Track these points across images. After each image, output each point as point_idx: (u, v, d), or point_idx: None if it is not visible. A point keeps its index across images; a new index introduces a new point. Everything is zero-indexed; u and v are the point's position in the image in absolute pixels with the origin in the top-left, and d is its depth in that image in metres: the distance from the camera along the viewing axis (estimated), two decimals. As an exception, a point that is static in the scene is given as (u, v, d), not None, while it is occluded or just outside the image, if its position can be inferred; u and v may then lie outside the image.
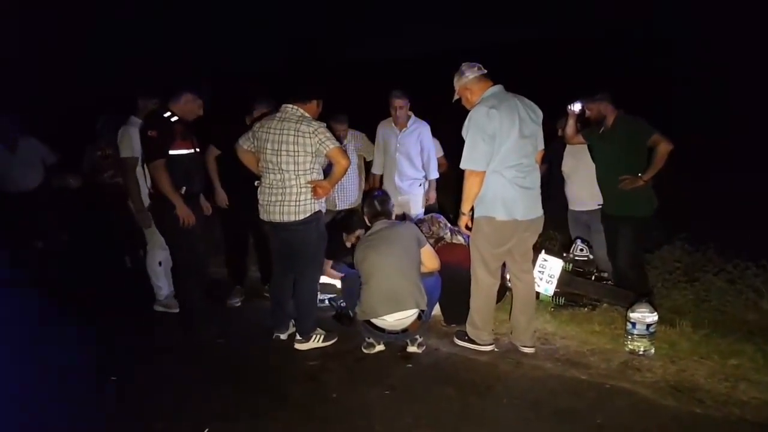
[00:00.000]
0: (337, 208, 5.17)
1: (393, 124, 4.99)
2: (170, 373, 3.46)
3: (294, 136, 3.44)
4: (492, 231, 3.41)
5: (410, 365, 3.51)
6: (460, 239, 4.15)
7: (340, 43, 10.89)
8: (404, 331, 3.53)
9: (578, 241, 4.36)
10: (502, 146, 3.27)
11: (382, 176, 5.21)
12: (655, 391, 3.10)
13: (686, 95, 9.07)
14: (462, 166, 3.32)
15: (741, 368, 3.33)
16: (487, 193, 3.35)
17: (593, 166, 4.31)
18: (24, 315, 4.59)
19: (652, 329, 3.51)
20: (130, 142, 4.12)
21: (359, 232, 4.18)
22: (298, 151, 3.45)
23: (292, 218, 3.51)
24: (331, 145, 3.44)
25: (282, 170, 3.49)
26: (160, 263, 4.45)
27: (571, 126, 4.37)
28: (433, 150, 5.05)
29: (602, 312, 4.20)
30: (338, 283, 4.40)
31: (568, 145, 4.72)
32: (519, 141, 3.31)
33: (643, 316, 3.50)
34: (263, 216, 3.62)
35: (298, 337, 3.76)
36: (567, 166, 4.77)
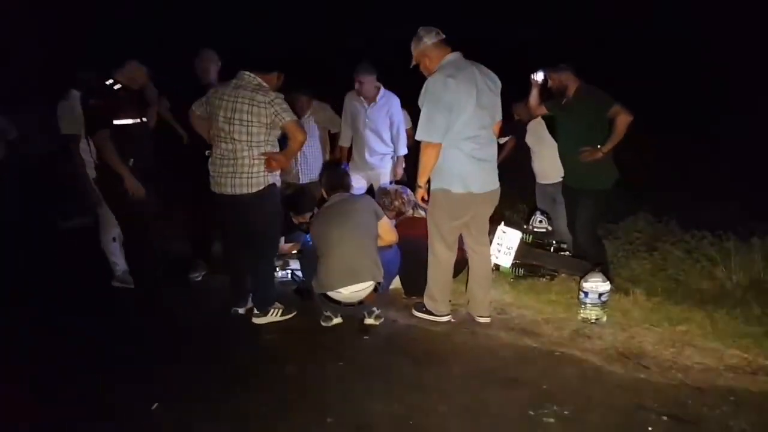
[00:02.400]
0: (301, 182, 5.11)
1: (361, 97, 4.91)
2: (123, 350, 3.42)
3: (249, 105, 3.37)
4: (448, 204, 3.40)
5: (367, 337, 3.53)
6: (422, 213, 4.15)
7: (341, 35, 10.56)
8: (360, 303, 3.54)
9: (537, 213, 4.39)
10: (459, 117, 3.24)
11: (350, 149, 5.15)
12: (603, 358, 3.17)
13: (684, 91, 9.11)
14: (417, 137, 3.29)
15: (688, 334, 3.42)
16: (443, 166, 3.33)
17: (552, 139, 4.33)
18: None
19: (604, 298, 3.57)
20: (72, 116, 3.99)
21: (308, 215, 4.14)
22: (252, 122, 3.38)
23: (245, 191, 3.46)
24: (288, 117, 3.38)
25: (234, 140, 3.42)
26: (114, 239, 4.37)
27: (534, 96, 4.35)
28: (403, 124, 4.98)
29: (560, 282, 4.27)
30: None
31: (531, 121, 4.72)
32: (477, 112, 3.28)
33: (596, 285, 3.55)
34: (214, 188, 3.56)
35: (255, 311, 3.75)
36: (530, 140, 4.78)
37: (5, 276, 4.52)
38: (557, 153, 4.35)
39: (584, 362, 3.13)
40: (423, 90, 3.27)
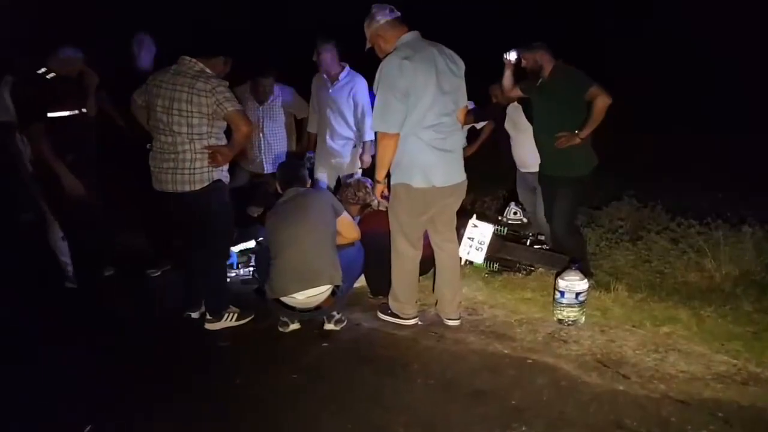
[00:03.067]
0: (266, 171, 4.80)
1: (325, 77, 4.56)
2: (57, 356, 3.15)
3: (188, 93, 3.05)
4: (410, 199, 3.11)
5: (326, 344, 3.26)
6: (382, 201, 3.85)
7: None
8: (317, 308, 3.26)
9: (512, 204, 4.12)
10: (417, 104, 2.94)
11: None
12: (578, 366, 2.91)
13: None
14: (373, 128, 2.99)
15: (673, 337, 3.17)
16: (402, 158, 3.03)
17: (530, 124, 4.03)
18: None
19: (581, 298, 3.31)
20: (6, 103, 3.66)
21: (258, 209, 3.83)
22: (192, 112, 3.06)
23: (187, 188, 3.15)
24: (230, 107, 3.06)
25: (174, 132, 3.10)
26: (63, 237, 4.06)
27: (507, 77, 4.04)
28: (369, 107, 4.64)
29: (537, 277, 4.01)
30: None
31: (509, 105, 4.42)
32: (438, 97, 2.98)
33: (572, 284, 3.29)
34: (155, 185, 3.25)
35: (207, 316, 3.47)
36: (508, 126, 4.49)
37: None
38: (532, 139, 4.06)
39: (558, 371, 2.87)
40: (377, 75, 2.95)
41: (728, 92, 8.39)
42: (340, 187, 4.13)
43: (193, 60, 3.12)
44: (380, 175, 3.09)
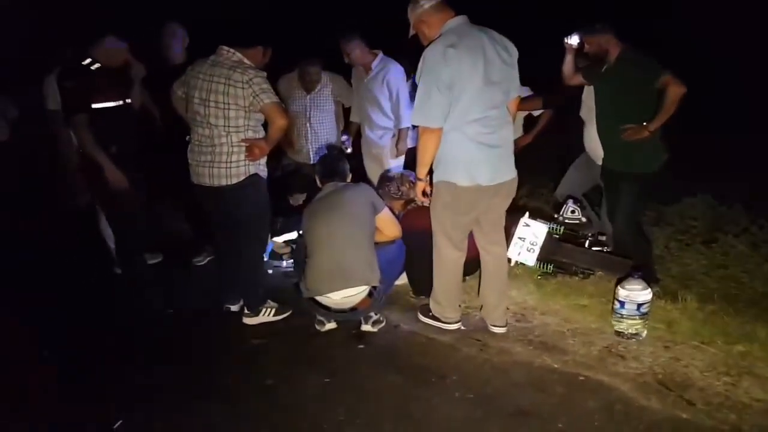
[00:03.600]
0: (312, 162, 4.68)
1: (360, 67, 4.40)
2: (101, 350, 3.15)
3: (225, 85, 2.95)
4: (452, 198, 2.89)
5: (362, 346, 3.12)
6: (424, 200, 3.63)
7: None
8: (353, 309, 3.12)
9: (570, 202, 3.79)
10: (461, 96, 2.70)
11: None
12: (636, 387, 2.63)
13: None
14: (413, 121, 2.78)
15: (748, 357, 2.82)
16: (445, 154, 2.81)
17: None
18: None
19: (644, 309, 3.00)
20: (55, 93, 3.70)
21: (301, 196, 3.70)
22: (228, 104, 2.96)
23: (223, 182, 3.07)
24: (266, 99, 2.93)
25: (211, 125, 3.02)
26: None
27: (568, 63, 3.71)
28: (405, 93, 4.35)
29: (596, 282, 3.68)
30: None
31: (585, 90, 4.06)
32: (485, 89, 2.72)
33: (634, 294, 2.98)
34: (192, 178, 3.19)
35: (245, 310, 3.41)
36: (583, 112, 4.12)
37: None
38: None
39: (613, 392, 2.60)
40: (419, 64, 2.73)
41: (728, 92, 7.65)
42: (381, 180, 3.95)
43: (231, 50, 3.01)
44: (421, 172, 2.88)
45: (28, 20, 6.42)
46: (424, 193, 2.98)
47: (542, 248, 3.54)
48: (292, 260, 4.12)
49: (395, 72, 4.26)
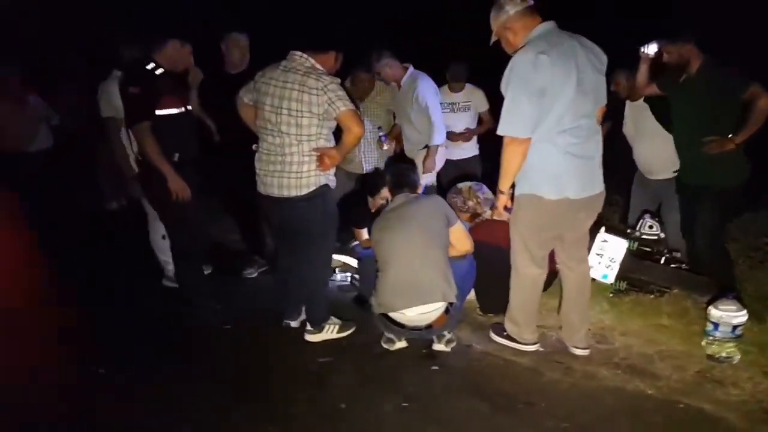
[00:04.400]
0: (364, 171, 4.56)
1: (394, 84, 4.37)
2: (162, 369, 3.03)
3: (299, 92, 2.83)
4: (537, 213, 2.74)
5: (436, 367, 2.96)
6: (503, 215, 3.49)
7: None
8: (428, 327, 2.96)
9: (647, 217, 3.62)
10: (553, 105, 2.55)
11: None
12: (743, 416, 2.45)
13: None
14: (500, 131, 2.63)
15: None
16: (532, 166, 2.66)
17: (659, 126, 3.55)
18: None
19: (738, 331, 2.82)
20: (111, 99, 3.61)
21: (385, 193, 3.54)
22: (301, 111, 2.84)
23: (293, 193, 2.94)
24: (342, 106, 2.81)
25: (282, 133, 2.90)
26: (164, 237, 4.02)
27: (643, 73, 3.56)
28: (434, 107, 4.19)
29: (672, 300, 3.49)
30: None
31: (627, 103, 3.92)
32: (577, 97, 2.58)
33: (729, 315, 2.81)
34: (260, 188, 3.07)
35: (308, 326, 3.27)
36: (628, 128, 3.98)
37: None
38: (664, 141, 3.57)
39: (720, 421, 2.42)
40: (506, 72, 2.59)
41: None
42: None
43: (304, 55, 2.90)
44: (505, 184, 2.74)
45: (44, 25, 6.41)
46: (505, 207, 2.83)
47: (621, 265, 3.37)
48: (346, 273, 4.00)
49: (425, 85, 4.16)
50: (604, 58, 2.72)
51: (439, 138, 4.21)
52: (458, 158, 5.01)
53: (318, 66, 2.91)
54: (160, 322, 3.55)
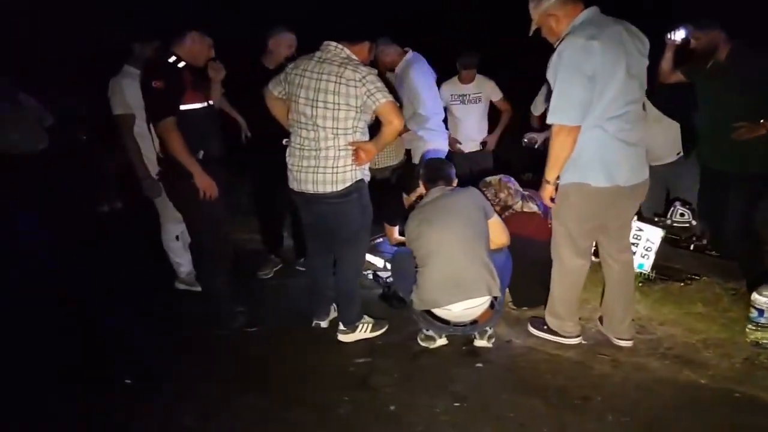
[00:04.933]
0: (376, 166, 4.43)
1: None
2: (189, 376, 2.89)
3: (335, 83, 2.70)
4: (584, 201, 2.68)
5: (480, 365, 2.88)
6: (532, 207, 3.43)
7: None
8: (473, 322, 2.88)
9: (677, 205, 3.60)
10: (604, 91, 2.49)
11: None
12: (802, 404, 2.43)
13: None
14: (550, 120, 2.56)
15: None
16: (581, 154, 2.59)
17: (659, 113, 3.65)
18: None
19: (784, 317, 2.81)
20: (123, 96, 3.42)
21: (421, 189, 3.45)
22: (339, 104, 2.72)
23: (329, 189, 2.82)
24: (383, 98, 2.69)
25: (317, 126, 2.78)
26: (177, 237, 3.85)
27: (668, 60, 3.53)
28: (422, 92, 4.06)
29: (700, 288, 3.48)
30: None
31: None
32: (626, 83, 2.53)
33: (774, 301, 2.79)
34: (293, 185, 2.94)
35: (341, 326, 3.16)
36: None
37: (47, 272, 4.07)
38: (670, 127, 3.63)
39: (781, 410, 2.40)
40: (555, 57, 2.51)
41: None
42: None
43: (339, 46, 2.78)
44: (552, 174, 2.66)
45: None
46: (551, 198, 2.76)
47: (657, 253, 3.34)
48: (367, 270, 3.89)
49: (413, 69, 4.06)
50: (647, 43, 2.67)
51: (429, 128, 4.12)
52: (470, 151, 4.96)
53: (353, 57, 2.79)
54: (183, 328, 3.41)
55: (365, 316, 3.19)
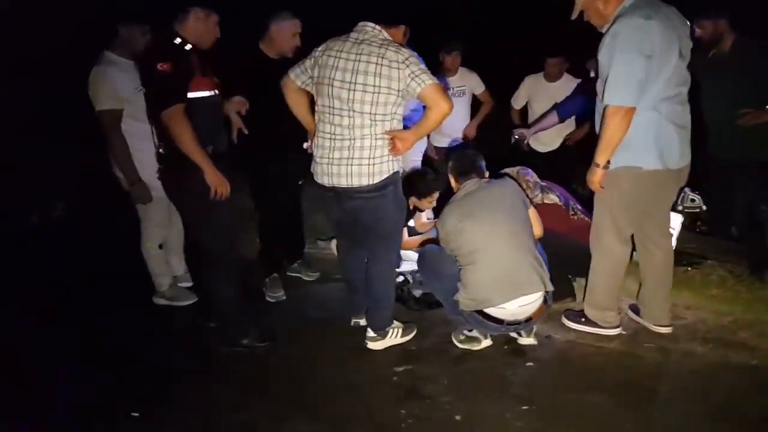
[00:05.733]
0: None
1: None
2: (216, 406, 2.52)
3: (376, 64, 2.44)
4: (634, 186, 2.62)
5: (530, 363, 2.73)
6: (553, 198, 3.34)
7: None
8: (528, 320, 2.73)
9: (687, 190, 3.66)
10: (660, 71, 2.44)
11: None
12: None
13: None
14: (607, 101, 2.46)
15: None
16: (634, 136, 2.51)
17: None
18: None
19: (810, 295, 2.90)
20: (113, 87, 2.95)
21: (435, 196, 3.28)
22: (380, 87, 2.46)
23: (364, 182, 2.56)
24: (429, 80, 2.45)
25: (354, 112, 2.50)
26: (160, 246, 3.41)
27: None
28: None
29: (706, 272, 3.53)
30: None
31: None
32: (679, 64, 2.50)
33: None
34: (323, 179, 2.64)
35: (370, 333, 2.89)
36: None
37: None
38: None
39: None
40: (608, 41, 2.43)
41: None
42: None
43: (377, 27, 2.53)
44: (603, 158, 2.56)
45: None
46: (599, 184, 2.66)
47: (677, 238, 3.36)
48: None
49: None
50: (689, 26, 2.65)
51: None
52: (456, 145, 4.84)
53: (390, 38, 2.54)
54: (186, 346, 3.00)
55: (394, 320, 2.95)
